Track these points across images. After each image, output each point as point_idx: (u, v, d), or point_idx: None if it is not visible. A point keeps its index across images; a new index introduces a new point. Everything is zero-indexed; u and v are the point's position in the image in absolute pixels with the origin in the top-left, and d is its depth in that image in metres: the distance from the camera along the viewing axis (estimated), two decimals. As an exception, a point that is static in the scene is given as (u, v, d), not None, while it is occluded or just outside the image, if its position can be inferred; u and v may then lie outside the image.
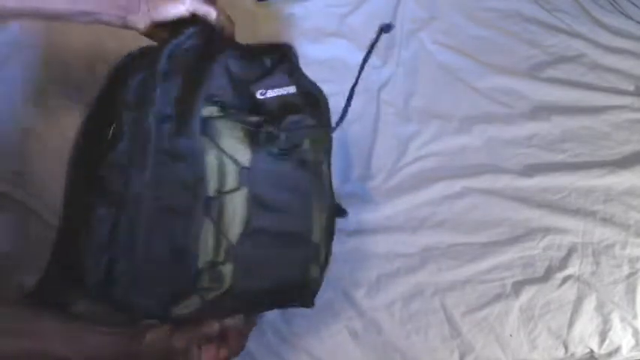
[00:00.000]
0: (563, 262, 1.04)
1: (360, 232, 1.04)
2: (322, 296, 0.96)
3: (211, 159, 0.68)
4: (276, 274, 0.75)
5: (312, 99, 0.77)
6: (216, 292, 0.71)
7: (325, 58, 1.23)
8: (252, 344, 0.92)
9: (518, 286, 1.00)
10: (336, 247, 1.01)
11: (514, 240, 1.05)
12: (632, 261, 1.05)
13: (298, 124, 0.72)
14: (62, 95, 1.09)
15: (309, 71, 1.19)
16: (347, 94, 1.19)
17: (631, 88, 1.27)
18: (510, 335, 0.97)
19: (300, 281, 0.76)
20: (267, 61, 0.74)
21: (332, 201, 0.78)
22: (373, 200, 1.07)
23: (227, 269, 0.70)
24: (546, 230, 1.06)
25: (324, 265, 0.80)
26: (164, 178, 0.66)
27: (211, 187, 0.68)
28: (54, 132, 1.04)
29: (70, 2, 0.70)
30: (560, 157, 1.16)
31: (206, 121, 0.67)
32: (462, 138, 1.16)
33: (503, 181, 1.11)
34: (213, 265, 0.69)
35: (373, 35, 1.28)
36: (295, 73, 0.74)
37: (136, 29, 0.74)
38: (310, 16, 1.28)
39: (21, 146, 1.01)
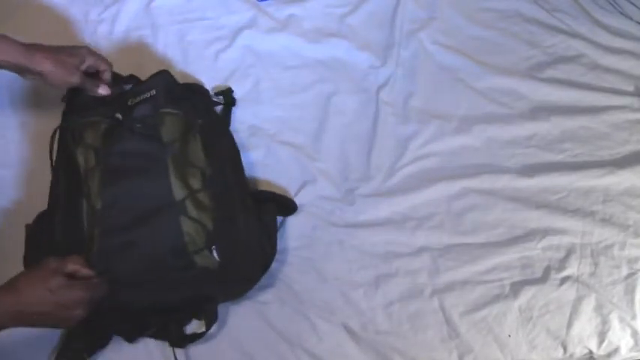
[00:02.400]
0: (562, 263, 1.03)
1: (358, 232, 1.04)
2: (321, 295, 0.97)
3: (80, 151, 0.93)
4: (141, 230, 0.88)
5: (178, 95, 1.00)
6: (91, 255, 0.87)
7: (325, 58, 1.23)
8: (251, 343, 0.92)
9: (517, 287, 1.00)
10: (335, 247, 1.02)
11: (513, 240, 1.05)
12: (630, 262, 1.04)
13: (150, 113, 0.95)
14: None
15: (309, 71, 1.20)
16: (346, 93, 1.19)
17: (630, 88, 1.27)
18: (509, 336, 0.97)
19: (175, 232, 0.89)
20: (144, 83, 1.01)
21: (209, 167, 0.95)
22: (372, 200, 1.07)
23: (96, 232, 0.88)
24: (545, 231, 1.06)
25: (199, 222, 0.91)
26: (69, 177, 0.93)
27: (82, 170, 0.91)
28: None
29: None
30: (559, 158, 1.16)
31: (74, 130, 0.95)
32: (461, 138, 1.16)
33: (502, 182, 1.11)
34: (89, 229, 0.88)
35: (373, 35, 1.28)
36: (160, 83, 0.98)
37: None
38: (310, 16, 1.28)
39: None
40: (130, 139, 0.92)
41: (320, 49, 1.24)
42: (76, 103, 0.99)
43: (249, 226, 0.93)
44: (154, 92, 0.96)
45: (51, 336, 0.88)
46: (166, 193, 0.90)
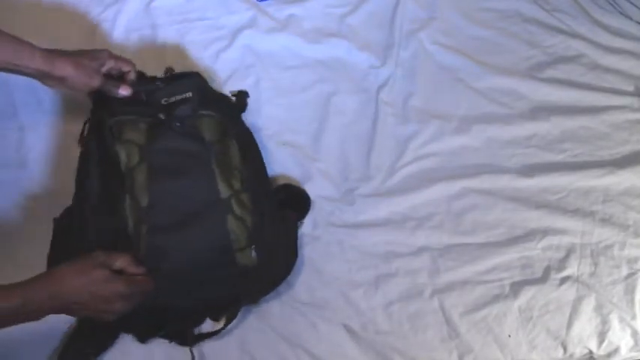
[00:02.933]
0: (562, 263, 1.04)
1: (358, 232, 1.03)
2: (321, 295, 0.97)
3: (121, 147, 0.92)
4: (190, 228, 0.89)
5: (212, 99, 1.02)
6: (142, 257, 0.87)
7: (325, 58, 1.23)
8: (251, 342, 0.92)
9: (516, 287, 1.00)
10: (335, 247, 1.02)
11: (513, 240, 1.05)
12: (630, 262, 1.05)
13: (190, 113, 0.96)
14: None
15: (309, 71, 1.20)
16: (346, 93, 1.19)
17: (630, 88, 1.27)
18: (509, 336, 0.97)
19: (220, 230, 0.90)
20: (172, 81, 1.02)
21: (245, 171, 0.96)
22: (371, 200, 1.07)
23: (143, 229, 0.88)
24: (545, 231, 1.06)
25: (243, 220, 0.92)
26: (105, 173, 0.92)
27: (124, 166, 0.91)
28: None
29: None
30: (559, 158, 1.16)
31: (113, 127, 0.94)
32: (461, 138, 1.16)
33: (502, 182, 1.11)
34: (135, 226, 0.88)
35: (372, 35, 1.28)
36: (195, 86, 0.99)
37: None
38: (310, 17, 1.28)
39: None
40: (174, 138, 0.93)
41: (320, 49, 1.24)
42: (107, 99, 0.98)
43: (278, 232, 0.95)
44: (190, 94, 0.97)
45: (52, 335, 0.88)
46: (213, 192, 0.91)
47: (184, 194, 0.91)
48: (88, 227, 0.88)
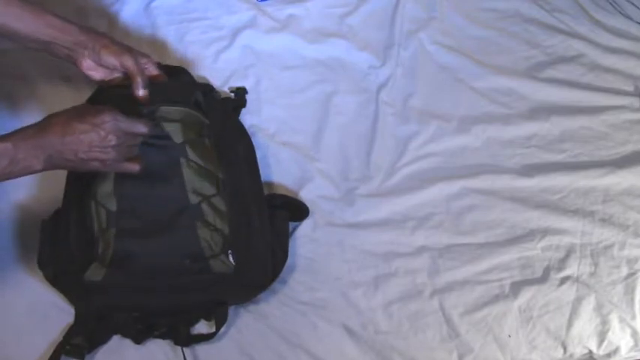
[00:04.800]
0: (562, 263, 1.03)
1: (358, 232, 1.03)
2: (320, 295, 0.97)
3: None
4: (159, 235, 0.88)
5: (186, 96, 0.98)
6: (108, 259, 0.87)
7: (325, 58, 1.23)
8: (251, 343, 0.92)
9: (516, 287, 1.00)
10: (334, 247, 1.02)
11: (513, 240, 1.05)
12: (630, 262, 1.04)
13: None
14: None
15: (309, 71, 1.20)
16: (346, 93, 1.19)
17: (630, 88, 1.27)
18: (509, 336, 0.97)
19: (191, 237, 0.89)
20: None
21: (223, 173, 0.94)
22: (371, 200, 1.07)
23: (110, 234, 0.87)
24: (545, 231, 1.06)
25: (215, 226, 0.91)
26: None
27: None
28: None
29: (30, 28, 0.86)
30: (559, 158, 1.16)
31: None
32: (461, 138, 1.16)
33: (502, 182, 1.11)
34: (103, 232, 0.88)
35: (372, 35, 1.28)
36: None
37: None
38: (310, 17, 1.28)
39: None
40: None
41: (320, 49, 1.24)
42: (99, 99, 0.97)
43: (263, 232, 0.93)
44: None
45: (47, 329, 0.88)
46: (182, 197, 0.90)
47: (154, 199, 0.90)
48: (70, 229, 0.88)
